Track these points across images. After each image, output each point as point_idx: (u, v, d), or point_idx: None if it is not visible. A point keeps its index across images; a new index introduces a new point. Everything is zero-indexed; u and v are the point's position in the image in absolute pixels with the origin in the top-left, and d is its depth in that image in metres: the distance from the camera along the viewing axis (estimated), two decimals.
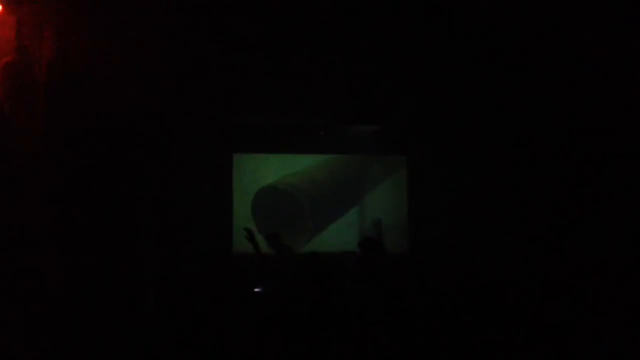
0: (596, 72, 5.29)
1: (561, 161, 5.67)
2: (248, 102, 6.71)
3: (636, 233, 5.17)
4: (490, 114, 6.56)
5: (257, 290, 5.32)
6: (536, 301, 4.97)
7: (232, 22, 5.35)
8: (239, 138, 7.70)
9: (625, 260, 5.13)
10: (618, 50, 5.09)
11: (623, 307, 4.85)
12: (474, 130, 7.26)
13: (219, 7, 5.48)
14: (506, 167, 6.89)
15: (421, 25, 5.58)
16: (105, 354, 4.71)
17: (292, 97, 6.55)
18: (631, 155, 5.19)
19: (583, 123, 5.44)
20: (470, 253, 6.32)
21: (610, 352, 4.56)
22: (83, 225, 5.87)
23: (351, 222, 7.80)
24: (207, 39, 5.45)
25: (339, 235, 6.14)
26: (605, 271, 5.14)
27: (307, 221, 7.78)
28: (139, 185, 6.41)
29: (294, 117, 7.28)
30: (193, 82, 6.00)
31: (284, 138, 7.72)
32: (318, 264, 4.62)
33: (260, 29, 5.50)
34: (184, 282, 6.14)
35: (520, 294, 5.02)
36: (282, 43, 5.70)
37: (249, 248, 5.12)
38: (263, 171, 8.00)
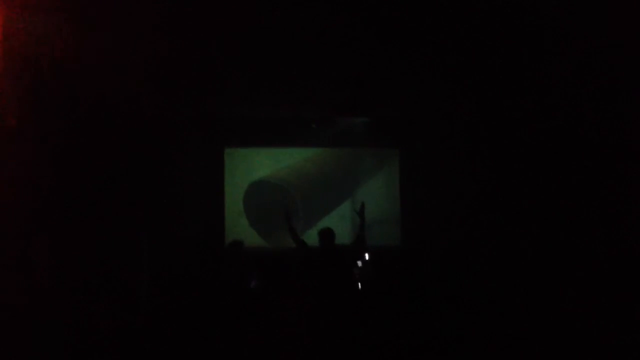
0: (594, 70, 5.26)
1: (554, 156, 5.66)
2: (239, 95, 6.68)
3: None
4: (483, 106, 6.55)
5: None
6: (529, 294, 4.98)
7: (223, 15, 5.31)
8: (230, 132, 7.69)
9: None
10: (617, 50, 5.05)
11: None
12: (465, 123, 7.27)
13: (209, 1, 5.44)
14: (498, 160, 6.89)
15: (415, 17, 5.56)
16: (97, 347, 4.68)
17: (283, 89, 6.52)
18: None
19: (578, 119, 5.43)
20: (462, 245, 6.32)
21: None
22: (74, 218, 5.84)
23: (343, 215, 7.82)
24: (197, 32, 5.41)
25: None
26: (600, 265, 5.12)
27: (299, 215, 7.78)
28: (131, 179, 6.37)
29: (285, 109, 7.25)
30: (183, 75, 5.96)
31: (275, 131, 7.70)
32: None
33: (251, 21, 5.47)
34: (177, 275, 6.12)
35: (512, 287, 5.03)
36: (273, 35, 5.67)
37: None
38: (254, 165, 7.99)
